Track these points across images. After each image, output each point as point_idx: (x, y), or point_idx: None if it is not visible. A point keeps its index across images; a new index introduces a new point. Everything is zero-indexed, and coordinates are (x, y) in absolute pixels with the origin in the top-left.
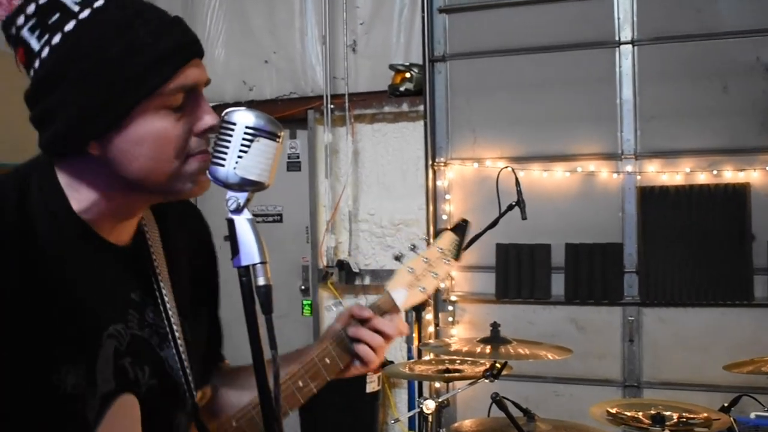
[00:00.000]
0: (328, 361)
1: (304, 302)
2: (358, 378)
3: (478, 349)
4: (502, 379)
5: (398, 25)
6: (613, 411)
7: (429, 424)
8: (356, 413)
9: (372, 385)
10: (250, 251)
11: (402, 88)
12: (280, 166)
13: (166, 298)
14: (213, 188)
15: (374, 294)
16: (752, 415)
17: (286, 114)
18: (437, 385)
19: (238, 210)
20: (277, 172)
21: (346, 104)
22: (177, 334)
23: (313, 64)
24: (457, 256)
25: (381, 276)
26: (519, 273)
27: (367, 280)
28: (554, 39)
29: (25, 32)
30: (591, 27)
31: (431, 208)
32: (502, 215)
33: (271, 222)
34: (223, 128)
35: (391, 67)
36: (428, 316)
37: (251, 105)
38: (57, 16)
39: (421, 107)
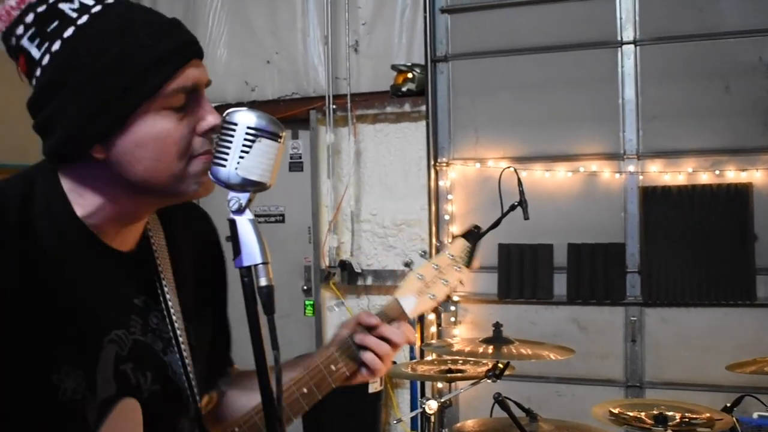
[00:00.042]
0: (333, 368)
1: (307, 302)
2: None
3: (481, 350)
4: (505, 379)
5: (400, 25)
6: (616, 411)
7: (431, 424)
8: (359, 413)
9: (374, 386)
10: (251, 252)
11: (404, 89)
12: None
13: (170, 303)
14: (215, 189)
15: (376, 294)
16: (755, 415)
17: (288, 114)
18: (440, 385)
19: (239, 210)
20: (279, 173)
21: (348, 104)
22: (181, 339)
23: (315, 64)
24: (468, 264)
25: (383, 276)
26: (521, 273)
27: (369, 281)
28: (556, 39)
29: (25, 41)
30: (593, 27)
31: (433, 208)
32: (504, 215)
33: (273, 222)
34: (224, 129)
35: (393, 67)
36: (430, 316)
37: (253, 105)
38: (56, 23)
39: (423, 107)
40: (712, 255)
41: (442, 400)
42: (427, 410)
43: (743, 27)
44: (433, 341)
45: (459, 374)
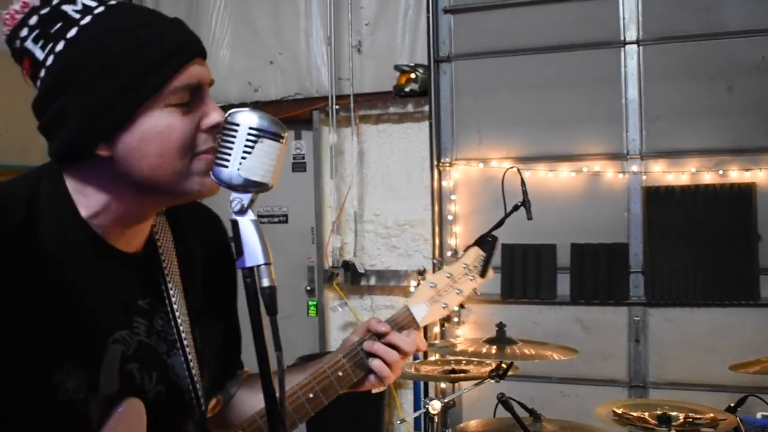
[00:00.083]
0: (341, 374)
1: (310, 303)
2: None
3: (484, 350)
4: (508, 379)
5: (403, 25)
6: (619, 411)
7: (435, 424)
8: (362, 414)
9: None
10: (254, 252)
11: (407, 89)
12: (286, 167)
13: (175, 306)
14: (219, 190)
15: (379, 295)
16: (759, 416)
17: (291, 115)
18: (443, 385)
19: (242, 211)
20: (282, 173)
21: (351, 105)
22: (186, 342)
23: (318, 64)
24: (483, 273)
25: (386, 277)
26: (524, 273)
27: (372, 281)
28: (559, 39)
29: (29, 43)
30: (596, 27)
31: (436, 208)
32: (507, 215)
33: (276, 223)
34: (226, 129)
35: (396, 67)
36: None
37: (256, 106)
38: (59, 24)
39: (426, 108)
40: (715, 255)
41: (446, 401)
42: (431, 410)
43: (746, 27)
44: (437, 341)
45: (462, 374)
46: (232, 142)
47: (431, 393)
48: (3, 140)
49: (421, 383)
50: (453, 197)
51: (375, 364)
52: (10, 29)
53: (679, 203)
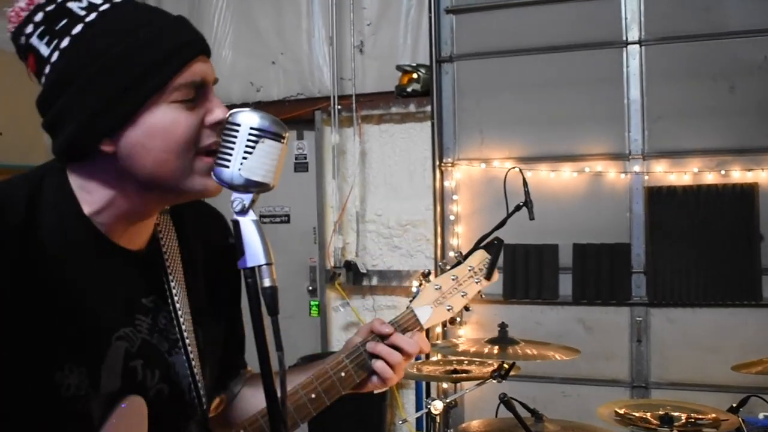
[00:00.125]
0: (343, 374)
1: (312, 303)
2: None
3: (486, 350)
4: (510, 379)
5: (405, 25)
6: (621, 411)
7: (437, 424)
8: (364, 414)
9: None
10: (255, 252)
11: (409, 89)
12: (288, 167)
13: (178, 305)
14: (222, 191)
15: (381, 295)
16: (761, 416)
17: (294, 115)
18: (445, 385)
19: (243, 211)
20: (284, 173)
21: (353, 105)
22: (188, 341)
23: (320, 65)
24: (489, 276)
25: (388, 277)
26: (526, 273)
27: (374, 281)
28: (561, 39)
29: (34, 40)
30: (598, 27)
31: (438, 208)
32: (509, 216)
33: (278, 222)
34: (227, 129)
35: (398, 67)
36: None
37: (258, 106)
38: (64, 21)
39: (428, 108)
40: (717, 255)
41: (448, 401)
42: (433, 411)
43: (748, 27)
44: (439, 341)
45: (464, 375)
46: (233, 142)
47: (433, 393)
48: (5, 140)
49: (423, 383)
50: (455, 197)
51: (378, 365)
52: (15, 26)
53: (681, 203)
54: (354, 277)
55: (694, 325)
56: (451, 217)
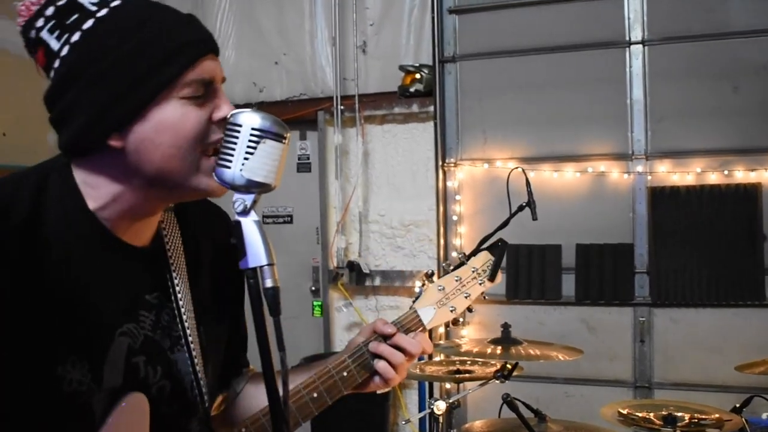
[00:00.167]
0: (345, 374)
1: (315, 303)
2: None
3: (489, 350)
4: (513, 379)
5: (408, 26)
6: (625, 412)
7: (440, 425)
8: (367, 414)
9: None
10: (257, 253)
11: (412, 89)
12: (290, 167)
13: (181, 302)
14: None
15: (384, 295)
16: (764, 416)
17: (296, 115)
18: (448, 386)
19: (245, 212)
20: (287, 173)
21: (356, 105)
22: (191, 338)
23: (323, 65)
24: (492, 277)
25: (391, 277)
26: (529, 273)
27: (377, 281)
28: (564, 39)
29: (44, 33)
30: (601, 27)
31: (441, 208)
32: (512, 216)
33: (281, 223)
34: (229, 130)
35: (401, 68)
36: None
37: (261, 106)
38: (75, 16)
39: (431, 108)
40: (720, 255)
41: (451, 401)
42: (436, 411)
43: (752, 27)
44: (442, 342)
45: (467, 375)
46: (235, 143)
47: (436, 393)
48: (9, 141)
49: (426, 384)
50: (458, 197)
51: (380, 365)
52: (25, 20)
53: (685, 203)
54: (357, 278)
55: (697, 326)
56: (454, 218)
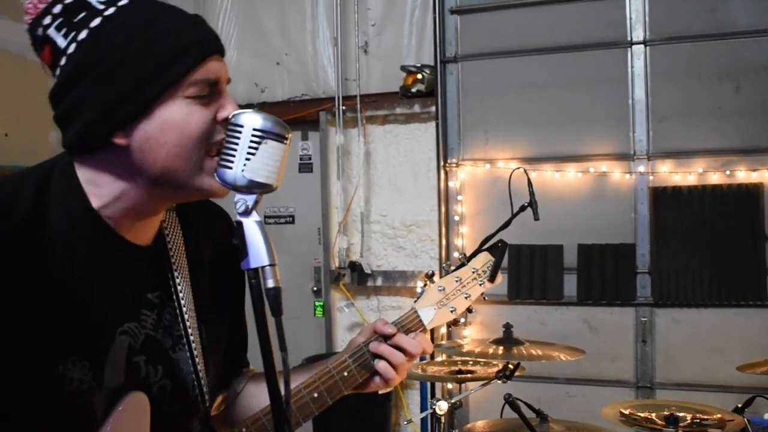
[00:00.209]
0: (346, 374)
1: (316, 303)
2: None
3: (491, 350)
4: (515, 380)
5: (410, 26)
6: (626, 412)
7: (441, 425)
8: (369, 414)
9: None
10: (259, 253)
11: (413, 90)
12: (292, 168)
13: (183, 302)
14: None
15: (386, 295)
16: (766, 416)
17: (298, 115)
18: (450, 386)
19: (246, 212)
20: (288, 174)
21: (358, 106)
22: (192, 338)
23: (324, 65)
24: (492, 278)
25: (393, 277)
26: (531, 274)
27: (379, 281)
28: (566, 39)
29: (51, 31)
30: (603, 27)
31: (443, 209)
32: (514, 216)
33: (283, 223)
34: (230, 131)
35: (403, 68)
36: None
37: (263, 106)
38: (83, 14)
39: (433, 108)
40: (722, 255)
41: (453, 401)
42: (438, 411)
43: (753, 27)
44: (443, 342)
45: (469, 375)
46: (236, 144)
47: (438, 393)
48: (11, 141)
49: (428, 384)
50: (459, 198)
51: (380, 365)
52: (32, 17)
53: (686, 204)
54: (358, 278)
55: (699, 326)
56: (456, 218)
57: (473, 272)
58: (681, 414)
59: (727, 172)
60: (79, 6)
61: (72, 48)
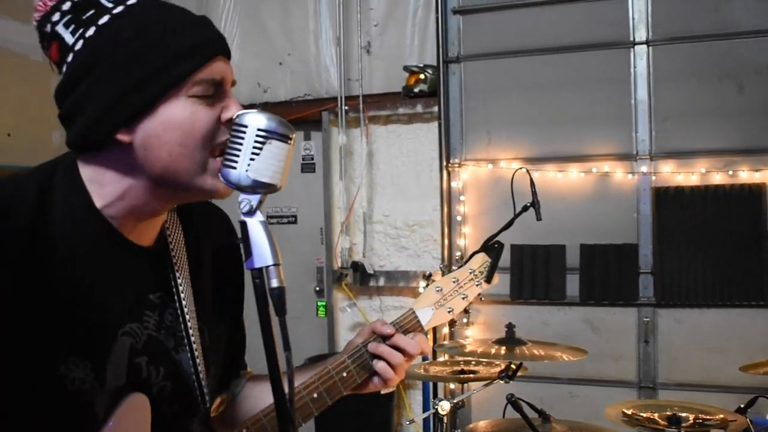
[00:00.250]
0: (345, 375)
1: (319, 303)
2: None
3: (493, 350)
4: (517, 380)
5: (412, 26)
6: (629, 412)
7: (444, 425)
8: (371, 414)
9: None
10: (263, 253)
11: (416, 90)
12: (295, 168)
13: (184, 303)
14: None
15: (388, 295)
16: None
17: (301, 116)
18: (452, 386)
19: (250, 212)
20: (291, 174)
21: (361, 106)
22: (193, 339)
23: (327, 65)
24: (489, 279)
25: (395, 277)
26: (534, 274)
27: (381, 281)
28: (568, 39)
29: (59, 28)
30: (605, 27)
31: (446, 209)
32: (516, 216)
33: (285, 223)
34: (234, 131)
35: (405, 68)
36: None
37: (266, 107)
38: (92, 12)
39: (436, 108)
40: (725, 255)
41: (455, 401)
42: (440, 411)
43: (756, 27)
44: (446, 342)
45: (471, 375)
46: (241, 144)
47: (440, 394)
48: (13, 141)
49: (430, 384)
50: (462, 198)
51: (379, 366)
52: (41, 15)
53: (689, 204)
54: (361, 278)
55: (701, 326)
56: (458, 218)
57: (470, 273)
58: (683, 414)
59: (730, 173)
60: (88, 4)
61: (79, 45)
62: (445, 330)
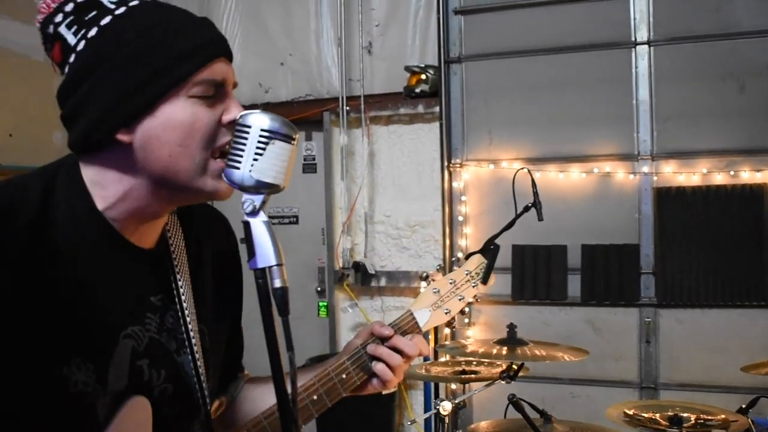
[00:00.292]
0: (344, 376)
1: (320, 304)
2: None
3: (495, 351)
4: (519, 380)
5: (413, 26)
6: (630, 412)
7: (445, 425)
8: (372, 415)
9: None
10: (266, 253)
11: (417, 90)
12: (296, 168)
13: (185, 305)
14: (233, 193)
15: (390, 295)
16: None
17: (302, 116)
18: (453, 386)
19: (253, 212)
20: (292, 174)
21: (362, 106)
22: (194, 341)
23: (328, 66)
24: (485, 280)
25: (397, 277)
26: (535, 274)
27: (382, 282)
28: (570, 40)
29: (62, 28)
30: (607, 27)
31: (447, 209)
32: (518, 216)
33: (287, 224)
34: (238, 131)
35: (407, 68)
36: None
37: (267, 107)
38: (94, 12)
39: (437, 109)
40: (726, 256)
41: (456, 402)
42: (441, 411)
43: (758, 27)
44: (447, 342)
45: (473, 375)
46: (244, 144)
47: (442, 394)
48: (15, 142)
49: (432, 384)
50: (463, 198)
51: (378, 367)
52: (44, 16)
53: (690, 204)
54: (362, 278)
55: (703, 326)
56: (460, 218)
57: (467, 274)
58: (685, 414)
59: (731, 173)
60: (91, 4)
61: (81, 45)
62: (447, 330)
